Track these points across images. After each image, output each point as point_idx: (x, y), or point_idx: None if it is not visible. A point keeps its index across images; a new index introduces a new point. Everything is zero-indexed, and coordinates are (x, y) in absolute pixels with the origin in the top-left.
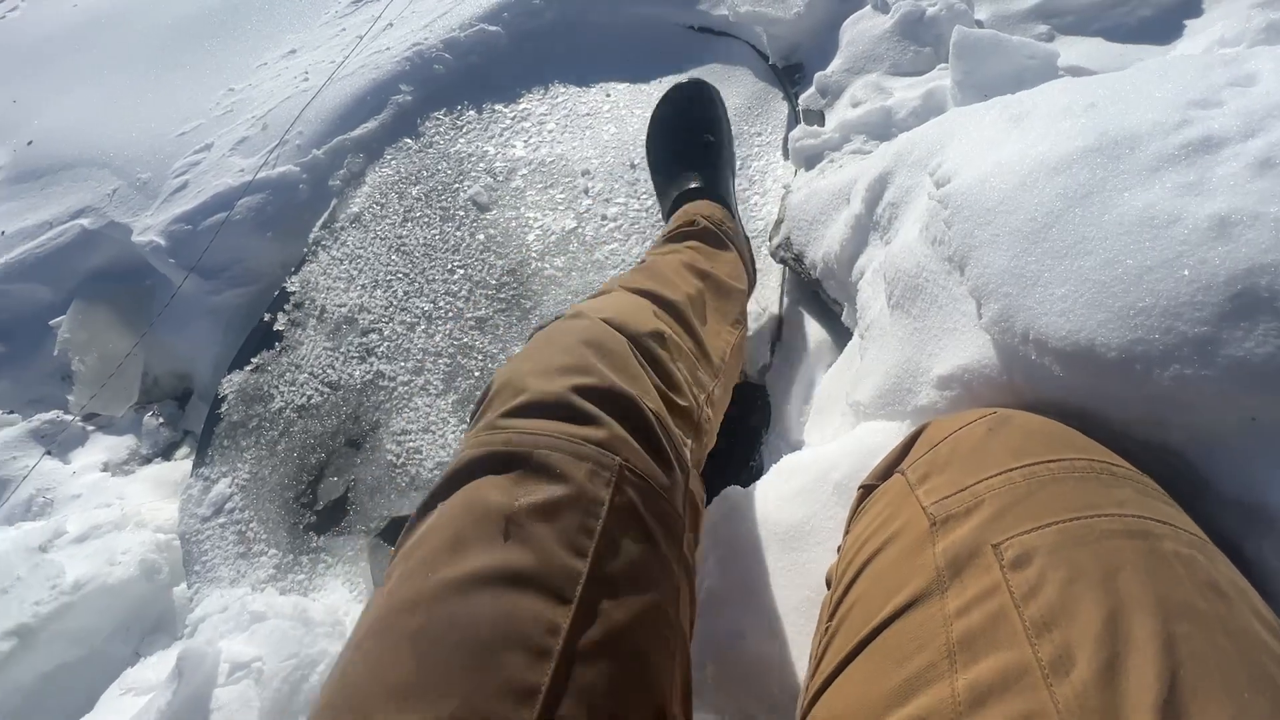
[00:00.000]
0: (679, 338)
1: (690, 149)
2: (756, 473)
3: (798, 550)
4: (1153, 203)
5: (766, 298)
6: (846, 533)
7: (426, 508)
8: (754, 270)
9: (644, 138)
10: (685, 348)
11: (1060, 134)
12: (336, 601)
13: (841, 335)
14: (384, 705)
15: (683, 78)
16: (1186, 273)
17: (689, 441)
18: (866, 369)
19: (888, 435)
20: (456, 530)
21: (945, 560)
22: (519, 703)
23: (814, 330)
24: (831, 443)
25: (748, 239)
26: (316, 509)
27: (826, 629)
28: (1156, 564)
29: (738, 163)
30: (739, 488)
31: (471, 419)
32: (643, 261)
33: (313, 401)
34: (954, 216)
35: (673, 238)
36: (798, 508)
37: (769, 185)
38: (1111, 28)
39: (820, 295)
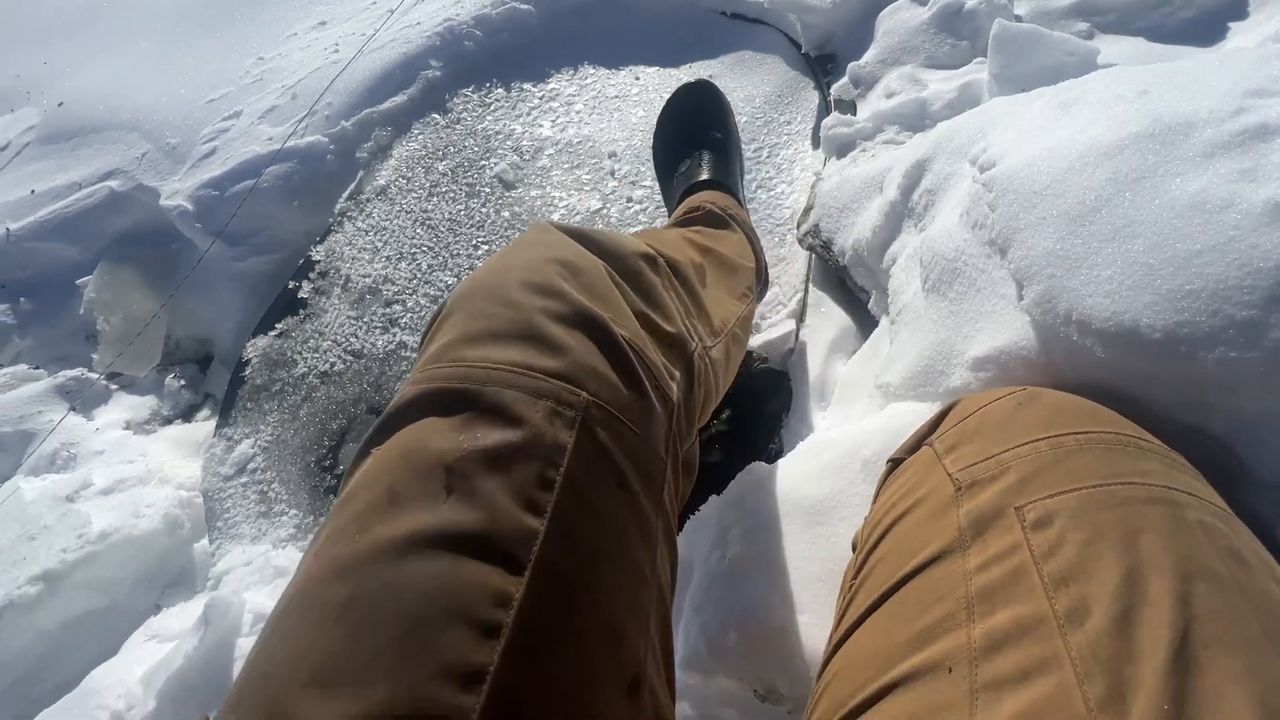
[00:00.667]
0: (673, 278)
1: (697, 145)
2: (777, 455)
3: (823, 524)
4: (1206, 188)
5: (792, 284)
6: (874, 503)
7: (361, 454)
8: (762, 256)
9: None
10: (679, 289)
11: (1112, 119)
12: None
13: (866, 323)
14: (300, 694)
15: (704, 72)
16: (1237, 257)
17: (676, 375)
18: (898, 352)
19: (917, 415)
20: (392, 482)
21: (968, 521)
22: (462, 688)
23: (839, 317)
24: (860, 421)
25: (754, 232)
26: (337, 473)
27: (850, 586)
28: (1178, 528)
29: (765, 151)
30: (764, 463)
31: (420, 347)
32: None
33: (335, 368)
34: (998, 200)
35: (676, 224)
36: (824, 483)
37: (796, 174)
38: (1153, 28)
39: (846, 282)
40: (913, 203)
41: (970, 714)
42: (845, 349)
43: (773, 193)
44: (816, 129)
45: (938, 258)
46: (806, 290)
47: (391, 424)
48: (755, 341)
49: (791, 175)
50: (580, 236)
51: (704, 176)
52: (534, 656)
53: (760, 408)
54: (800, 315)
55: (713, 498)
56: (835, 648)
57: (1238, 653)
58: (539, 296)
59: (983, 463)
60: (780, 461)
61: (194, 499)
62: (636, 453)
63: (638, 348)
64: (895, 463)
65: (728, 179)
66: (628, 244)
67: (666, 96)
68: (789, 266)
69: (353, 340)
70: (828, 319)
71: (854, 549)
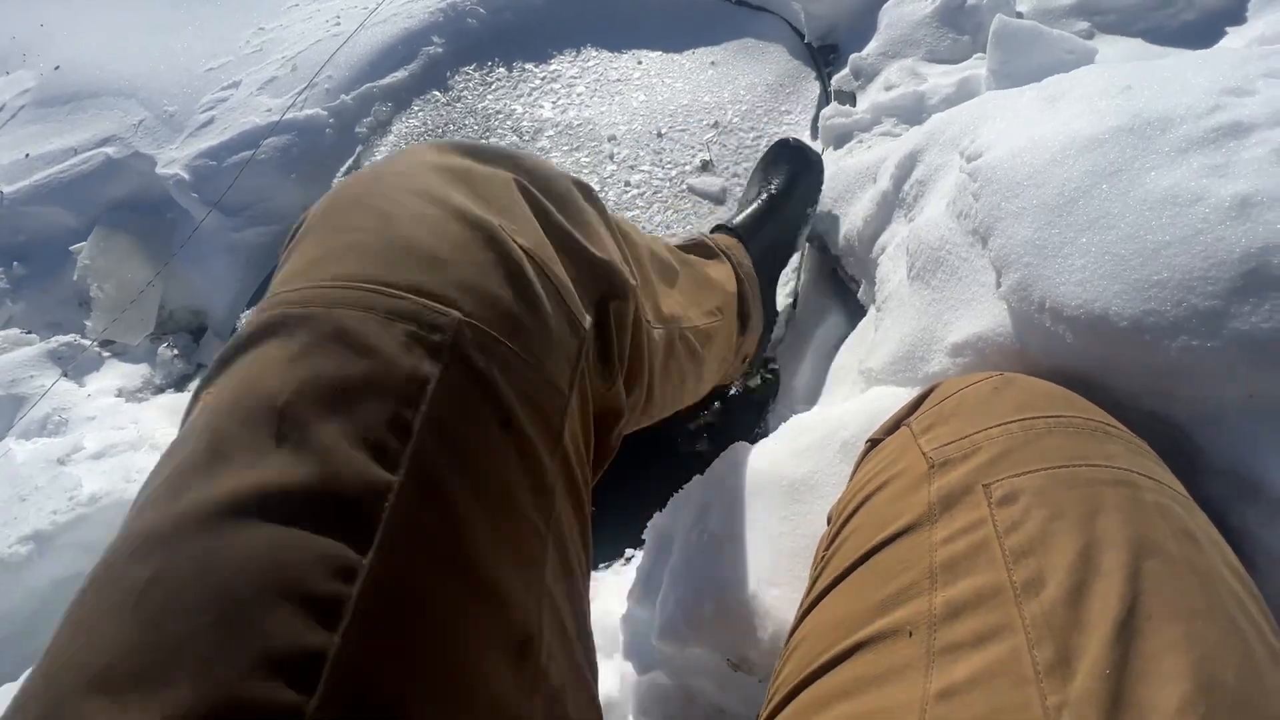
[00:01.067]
0: (618, 228)
1: (758, 193)
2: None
3: (801, 502)
4: (1178, 181)
5: (785, 273)
6: (851, 480)
7: (192, 401)
8: (752, 299)
9: (672, 106)
10: (624, 245)
11: (1094, 113)
12: None
13: (856, 313)
14: (84, 698)
15: (708, 58)
16: (1203, 249)
17: (596, 300)
18: (881, 338)
19: (897, 399)
20: (216, 430)
21: (938, 497)
22: (293, 680)
23: (829, 307)
24: (839, 406)
25: (752, 279)
26: None
27: (822, 558)
28: (1135, 509)
29: (764, 140)
30: (746, 443)
31: (275, 271)
32: None
33: None
34: (983, 189)
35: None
36: (804, 463)
37: None
38: (1153, 29)
39: (838, 272)
40: (904, 193)
41: (926, 674)
42: (835, 338)
43: None
44: (816, 119)
45: (923, 246)
46: (799, 278)
47: (226, 361)
48: None
49: None
50: (486, 152)
51: (736, 221)
52: (387, 632)
53: (744, 394)
54: (793, 303)
55: (696, 477)
56: (804, 614)
57: (1179, 622)
58: (416, 201)
59: (956, 442)
60: (762, 442)
61: None
62: (527, 384)
63: (540, 260)
64: (874, 443)
65: (757, 232)
66: (557, 169)
67: (668, 81)
68: None
69: None
70: (819, 308)
71: (829, 523)
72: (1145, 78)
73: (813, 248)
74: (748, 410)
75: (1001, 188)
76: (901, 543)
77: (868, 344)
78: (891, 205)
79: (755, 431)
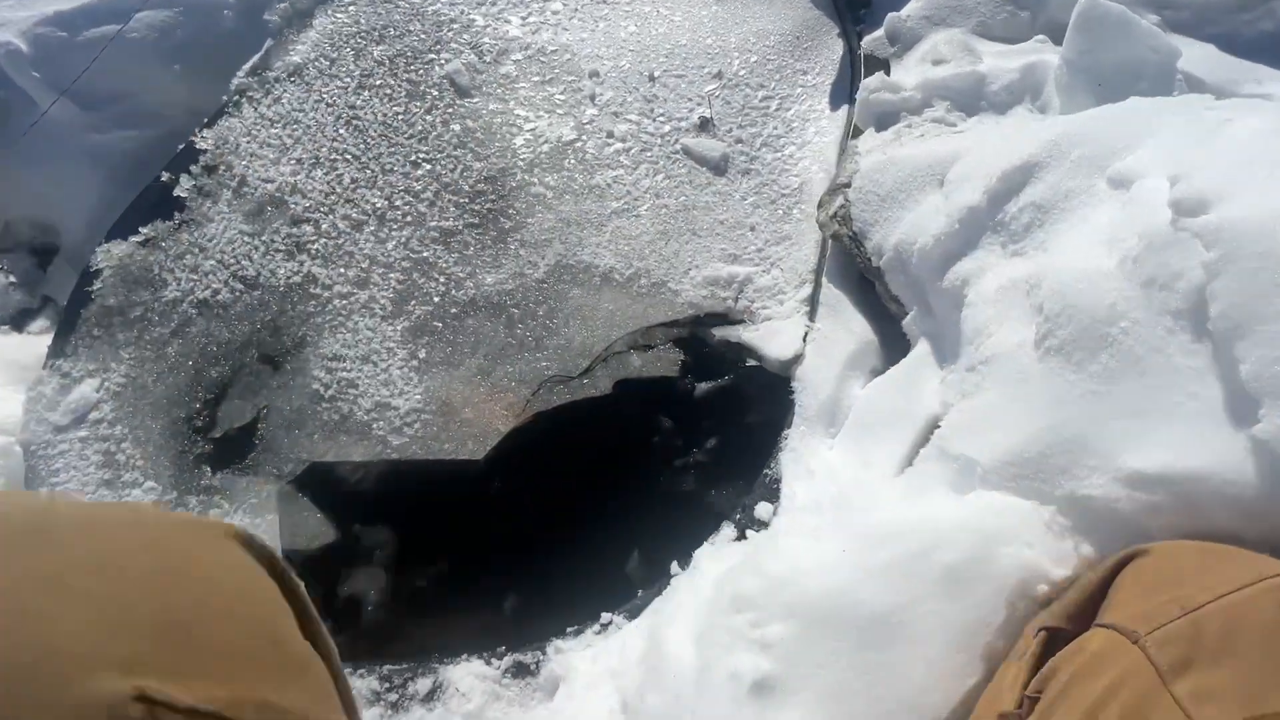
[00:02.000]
0: None
1: None
2: (773, 482)
3: (884, 647)
4: None
5: (797, 272)
6: (1033, 675)
7: None
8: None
9: (668, 45)
10: None
11: None
12: None
13: (894, 339)
14: None
15: None
16: None
17: None
18: (986, 418)
19: (1021, 520)
20: None
21: None
22: None
23: (859, 326)
24: (931, 508)
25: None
26: (213, 436)
27: None
28: None
29: (774, 102)
30: (803, 542)
31: None
32: None
33: (220, 298)
34: (1224, 263)
35: None
36: (887, 589)
37: (810, 136)
38: (1227, 35)
39: (876, 287)
40: (1006, 215)
41: None
42: (863, 366)
43: (780, 154)
44: (838, 85)
45: (1072, 310)
46: (818, 284)
47: None
48: (748, 336)
49: (803, 136)
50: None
51: None
52: None
53: (755, 420)
54: (810, 314)
55: (728, 552)
56: None
57: None
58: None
59: None
60: (818, 534)
61: (10, 447)
62: None
63: None
64: (1054, 633)
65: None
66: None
67: (664, 11)
68: (794, 248)
69: (245, 264)
70: (844, 326)
71: None
72: None
73: (837, 245)
74: (755, 438)
75: (1265, 267)
76: None
77: (929, 398)
78: (982, 227)
79: (766, 471)
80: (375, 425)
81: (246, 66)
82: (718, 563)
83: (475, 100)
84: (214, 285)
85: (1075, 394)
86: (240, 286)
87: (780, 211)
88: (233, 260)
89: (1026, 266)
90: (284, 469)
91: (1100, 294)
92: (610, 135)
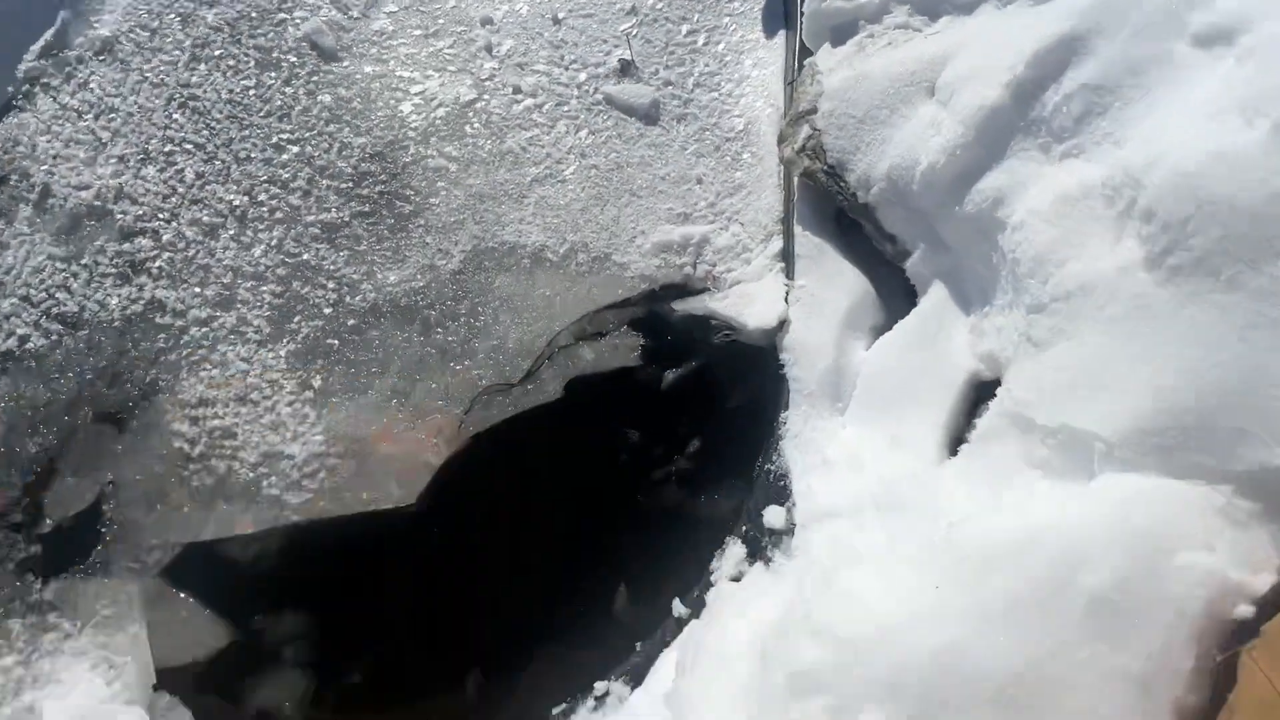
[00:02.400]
0: None
1: None
2: (779, 478)
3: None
4: None
5: (760, 224)
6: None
7: None
8: None
9: None
10: None
11: None
12: (83, 704)
13: (894, 285)
14: None
15: None
16: None
17: None
18: (1088, 374)
19: (1187, 512)
20: None
21: None
22: None
23: (847, 276)
24: (1039, 507)
25: None
26: (40, 533)
27: None
28: None
29: (701, 36)
30: (868, 578)
31: None
32: None
33: (30, 346)
34: None
35: None
36: (1016, 640)
37: (748, 69)
38: None
39: (865, 227)
40: (1044, 109)
41: None
42: (863, 324)
43: (717, 93)
44: (770, 9)
45: (1212, 209)
46: (789, 234)
47: None
48: (717, 305)
49: (740, 70)
50: None
51: None
52: None
53: (739, 410)
54: (787, 270)
55: (752, 587)
56: None
57: None
58: None
59: None
60: (887, 563)
61: None
62: None
63: None
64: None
65: None
66: None
67: None
68: (752, 197)
69: (62, 296)
70: (830, 279)
71: None
72: None
73: (809, 184)
74: (750, 427)
75: None
76: None
77: (1037, 376)
78: (1008, 129)
79: (769, 467)
80: (265, 483)
81: (36, 47)
82: (742, 608)
83: (345, 64)
84: (19, 330)
85: (1236, 323)
86: (58, 328)
87: (728, 158)
88: (43, 295)
89: (1094, 169)
90: (146, 560)
91: (1250, 179)
92: (517, 90)
